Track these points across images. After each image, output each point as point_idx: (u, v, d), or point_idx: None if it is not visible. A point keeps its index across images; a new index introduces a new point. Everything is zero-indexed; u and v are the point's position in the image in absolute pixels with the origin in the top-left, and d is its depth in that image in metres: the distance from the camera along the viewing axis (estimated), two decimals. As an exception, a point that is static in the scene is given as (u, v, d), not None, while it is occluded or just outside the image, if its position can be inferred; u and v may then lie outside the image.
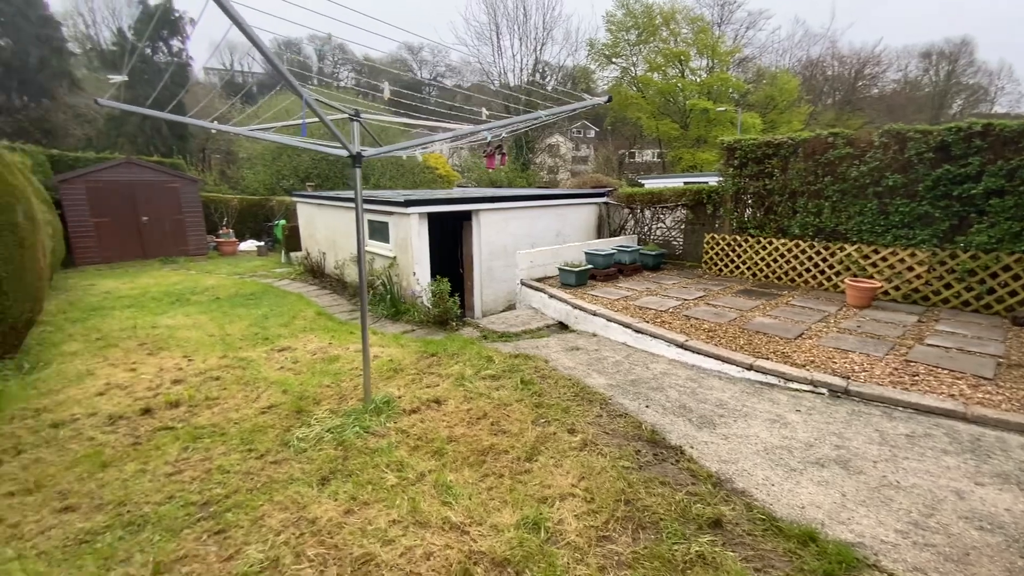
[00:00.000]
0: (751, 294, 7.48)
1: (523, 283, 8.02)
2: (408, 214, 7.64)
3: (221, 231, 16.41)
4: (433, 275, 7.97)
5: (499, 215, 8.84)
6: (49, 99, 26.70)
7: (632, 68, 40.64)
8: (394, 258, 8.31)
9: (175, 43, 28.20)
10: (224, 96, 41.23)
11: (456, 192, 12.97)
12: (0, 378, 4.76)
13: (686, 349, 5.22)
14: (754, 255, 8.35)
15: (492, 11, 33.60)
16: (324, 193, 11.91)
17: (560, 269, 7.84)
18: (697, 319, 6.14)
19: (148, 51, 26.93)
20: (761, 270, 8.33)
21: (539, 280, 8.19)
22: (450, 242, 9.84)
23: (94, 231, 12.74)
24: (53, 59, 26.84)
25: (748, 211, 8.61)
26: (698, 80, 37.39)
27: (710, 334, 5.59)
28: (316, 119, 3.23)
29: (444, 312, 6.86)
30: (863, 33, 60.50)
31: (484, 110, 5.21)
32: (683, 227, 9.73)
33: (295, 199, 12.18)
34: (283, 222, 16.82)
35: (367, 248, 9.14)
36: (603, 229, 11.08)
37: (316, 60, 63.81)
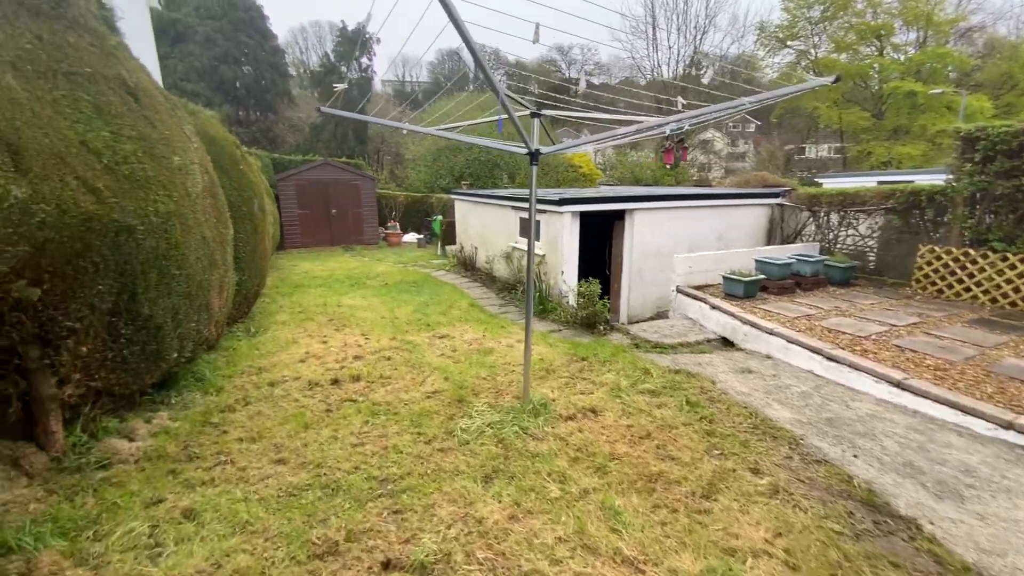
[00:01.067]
0: (993, 326, 5.79)
1: (679, 290, 7.38)
2: (561, 212, 7.56)
3: (389, 224, 18.48)
4: (580, 275, 7.81)
5: (654, 215, 8.29)
6: (273, 113, 33.09)
7: (812, 51, 35.35)
8: (543, 256, 8.33)
9: (364, 61, 32.60)
10: (395, 103, 46.60)
11: (607, 190, 12.61)
12: (234, 338, 5.88)
13: (904, 389, 4.19)
14: (995, 275, 6.46)
15: (650, 2, 32.08)
16: (479, 191, 12.55)
17: (725, 277, 7.02)
18: (915, 352, 4.92)
19: (343, 68, 31.56)
20: (1006, 295, 6.41)
21: (698, 288, 7.46)
22: (596, 242, 9.56)
23: (298, 220, 15.32)
24: (279, 81, 33.20)
25: (989, 218, 6.71)
26: (902, 58, 30.93)
27: (938, 374, 4.41)
28: (506, 116, 3.24)
29: (592, 315, 6.63)
30: None
31: (680, 99, 4.82)
32: (884, 236, 8.00)
33: (453, 197, 13.08)
34: (440, 217, 18.27)
35: (515, 245, 9.35)
36: (774, 234, 9.71)
37: (472, 67, 68.38)
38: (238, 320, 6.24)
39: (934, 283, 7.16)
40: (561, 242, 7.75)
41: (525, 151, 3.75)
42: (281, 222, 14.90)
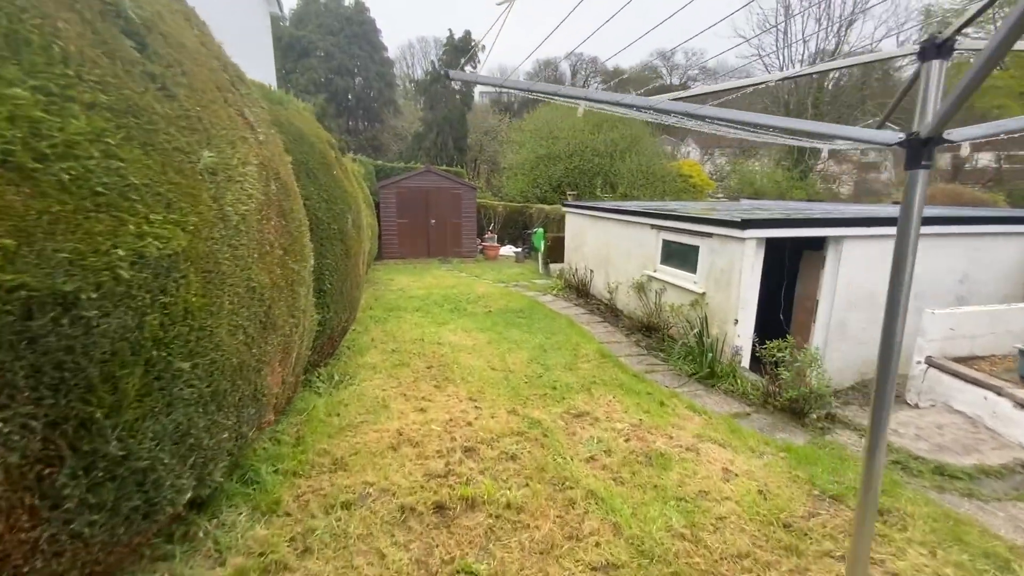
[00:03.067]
0: None
1: (932, 363, 4.88)
2: (743, 239, 5.43)
3: (487, 235, 17.25)
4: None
5: (871, 245, 5.82)
6: (379, 122, 34.07)
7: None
8: (701, 295, 6.22)
9: (468, 68, 32.36)
10: (494, 111, 46.42)
11: (798, 207, 9.99)
12: (312, 391, 4.58)
13: None
14: None
15: (784, -9, 28.04)
16: (601, 204, 10.69)
17: (1021, 351, 4.42)
18: None
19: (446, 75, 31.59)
20: None
21: (962, 361, 4.90)
22: (767, 279, 7.22)
23: (396, 230, 14.56)
24: (385, 91, 34.15)
25: None
26: None
27: None
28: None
29: (803, 397, 4.41)
30: None
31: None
32: None
33: (565, 209, 11.36)
34: (541, 230, 16.66)
35: (653, 274, 7.32)
36: (1044, 277, 6.66)
37: (570, 75, 67.24)
38: (319, 365, 4.95)
39: None
40: (736, 279, 5.61)
41: (897, 140, 1.83)
42: (380, 232, 14.23)
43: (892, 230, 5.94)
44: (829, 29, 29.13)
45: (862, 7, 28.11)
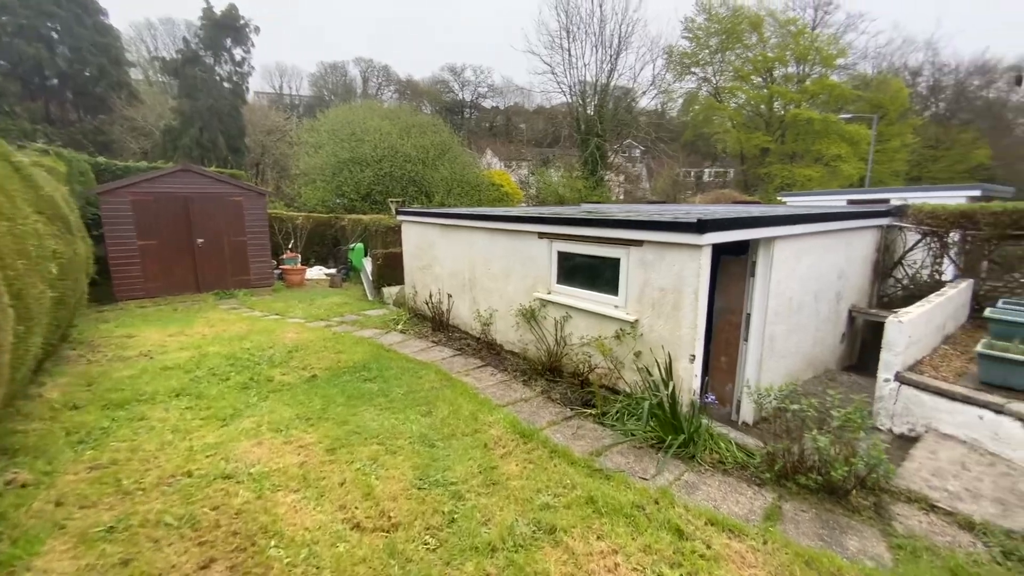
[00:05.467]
0: None
1: (906, 381, 4.16)
2: (698, 246, 3.96)
3: (285, 255, 13.31)
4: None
5: (798, 245, 5.08)
6: (106, 112, 25.03)
7: (713, 78, 36.89)
8: (632, 323, 4.63)
9: (238, 52, 26.22)
10: (277, 109, 39.77)
11: (721, 209, 9.17)
12: None
13: None
14: None
15: (565, 17, 30.52)
16: (459, 210, 8.53)
17: (988, 356, 3.94)
18: None
19: (211, 60, 24.97)
20: None
21: (911, 370, 4.32)
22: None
23: (139, 257, 9.70)
24: (111, 70, 25.29)
25: None
26: (793, 88, 33.18)
27: None
28: None
29: (849, 473, 3.03)
30: (970, 42, 55.21)
31: None
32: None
33: (402, 218, 8.83)
34: (360, 246, 13.62)
35: (548, 298, 5.52)
36: (878, 267, 7.15)
37: (361, 82, 63.52)
38: None
39: None
40: (689, 301, 4.14)
41: None
42: (107, 259, 9.25)
43: (809, 227, 5.34)
44: (603, 57, 32.67)
45: (625, 42, 32.36)
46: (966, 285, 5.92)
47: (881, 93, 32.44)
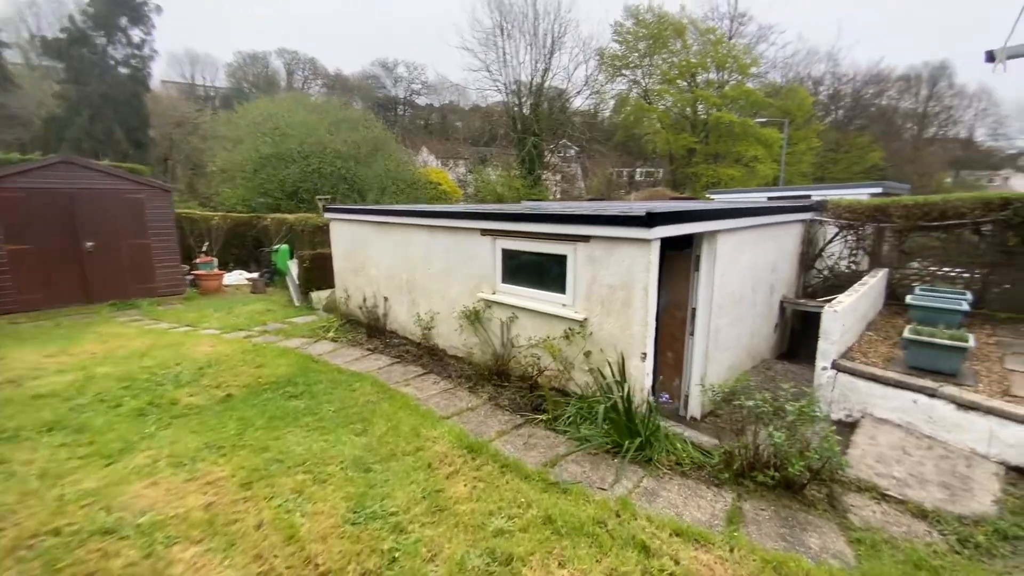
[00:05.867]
0: None
1: (843, 369, 4.27)
2: (647, 240, 3.82)
3: (199, 259, 12.01)
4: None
5: (736, 239, 5.13)
6: (-31, 95, 21.53)
7: (643, 80, 38.34)
8: (581, 323, 4.43)
9: (136, 33, 23.57)
10: (189, 99, 36.42)
11: (662, 205, 9.02)
12: None
13: None
14: None
15: (499, 14, 30.38)
16: (394, 207, 8.00)
17: (914, 341, 4.13)
18: None
19: (103, 41, 22.21)
20: None
21: (843, 357, 4.47)
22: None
23: (8, 265, 8.25)
24: (-24, 47, 21.79)
25: None
26: (715, 93, 35.24)
27: None
28: None
29: (810, 468, 2.98)
30: (866, 52, 61.63)
31: None
32: (985, 258, 6.20)
33: (331, 216, 8.13)
34: (286, 247, 12.60)
35: (494, 298, 5.22)
36: (803, 260, 7.52)
37: (285, 75, 60.06)
38: None
39: (1076, 317, 5.47)
40: (640, 297, 3.99)
41: None
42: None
43: (748, 221, 5.42)
44: (538, 56, 32.84)
45: (558, 42, 32.76)
46: (883, 274, 6.33)
47: (789, 100, 35.26)
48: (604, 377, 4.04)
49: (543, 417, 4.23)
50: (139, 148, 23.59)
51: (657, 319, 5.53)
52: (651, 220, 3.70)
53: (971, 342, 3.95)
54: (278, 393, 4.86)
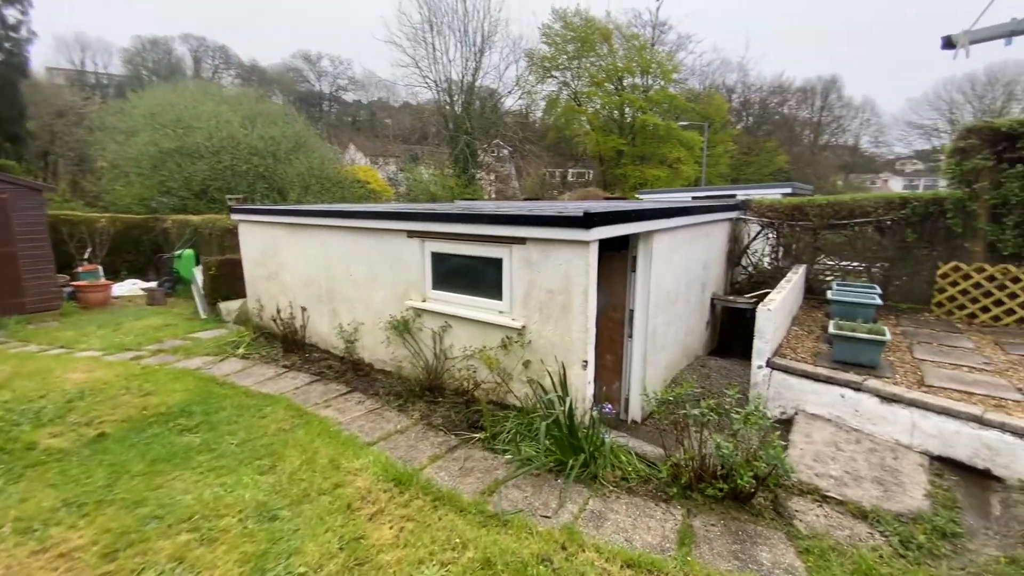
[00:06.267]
0: None
1: (777, 367, 4.31)
2: (586, 242, 3.59)
3: (80, 268, 10.43)
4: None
5: (671, 239, 5.08)
6: None
7: (572, 82, 39.13)
8: (519, 331, 4.13)
9: (11, 13, 20.28)
10: (81, 88, 32.25)
11: (597, 205, 8.71)
12: None
13: None
14: (1047, 294, 5.53)
15: (427, 9, 29.57)
16: (310, 207, 7.29)
17: (840, 336, 4.26)
18: None
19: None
20: (1058, 316, 5.52)
21: (783, 356, 4.54)
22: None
23: None
24: None
25: (1015, 230, 5.74)
26: (640, 97, 36.73)
27: None
28: None
29: (759, 476, 2.87)
30: (771, 64, 67.32)
31: None
32: (884, 253, 6.67)
33: (238, 217, 7.25)
34: (190, 252, 11.32)
35: (423, 306, 4.80)
36: (730, 257, 7.77)
37: (192, 63, 55.25)
38: None
39: (962, 307, 6.01)
40: (579, 301, 3.76)
41: None
42: None
43: (682, 220, 5.40)
44: (468, 54, 32.40)
45: (488, 41, 32.55)
46: (802, 270, 6.63)
47: (708, 106, 37.53)
48: (544, 390, 3.77)
49: (481, 436, 3.88)
50: (14, 142, 20.36)
51: (596, 323, 5.38)
52: (589, 221, 3.47)
53: (887, 335, 4.12)
54: (168, 427, 4.12)
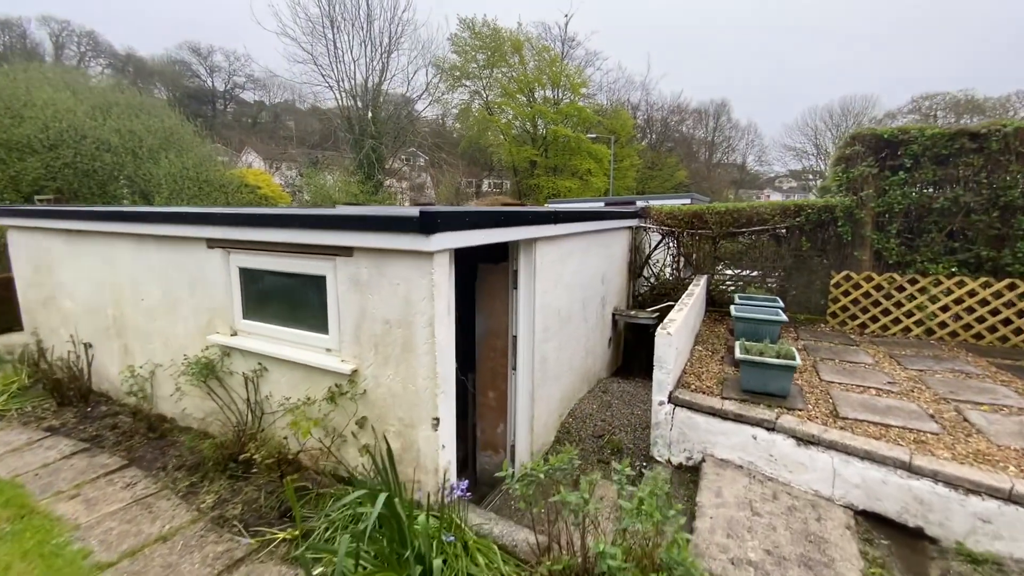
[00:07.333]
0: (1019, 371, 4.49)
1: (680, 403, 3.57)
2: (429, 252, 2.56)
3: None
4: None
5: (559, 248, 4.25)
6: None
7: (484, 92, 38.75)
8: (350, 376, 2.99)
9: None
10: None
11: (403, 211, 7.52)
12: None
13: None
14: (929, 302, 5.49)
15: (327, 3, 27.45)
16: (84, 208, 5.59)
17: (749, 362, 3.63)
18: None
19: None
20: (944, 324, 5.49)
21: (687, 386, 3.84)
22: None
23: None
24: None
25: (898, 239, 5.70)
26: (551, 109, 37.22)
27: None
28: None
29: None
30: (671, 85, 72.01)
31: None
32: (781, 263, 6.44)
33: (6, 222, 5.32)
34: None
35: (234, 343, 3.50)
36: (632, 268, 7.24)
37: (52, 48, 47.71)
38: None
39: (854, 316, 5.87)
40: (423, 335, 2.70)
41: None
42: None
43: (571, 228, 4.59)
44: (373, 55, 30.69)
45: (395, 43, 31.12)
46: (704, 281, 6.19)
47: (615, 121, 38.97)
48: (378, 464, 2.65)
49: (288, 535, 2.67)
50: None
51: (475, 352, 4.38)
52: (429, 224, 2.44)
53: (797, 359, 3.56)
54: None
